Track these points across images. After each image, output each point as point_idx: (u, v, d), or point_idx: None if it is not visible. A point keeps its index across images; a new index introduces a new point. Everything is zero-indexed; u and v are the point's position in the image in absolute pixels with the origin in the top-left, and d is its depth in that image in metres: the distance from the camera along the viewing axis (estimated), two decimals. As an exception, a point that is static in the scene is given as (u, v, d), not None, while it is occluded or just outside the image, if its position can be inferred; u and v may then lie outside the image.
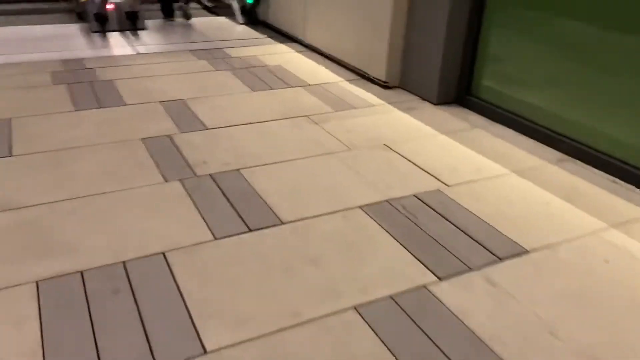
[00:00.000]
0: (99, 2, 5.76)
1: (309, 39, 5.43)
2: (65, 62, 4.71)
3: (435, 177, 3.00)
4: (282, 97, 4.15)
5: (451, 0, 3.77)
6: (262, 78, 4.55)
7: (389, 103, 4.10)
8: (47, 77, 4.32)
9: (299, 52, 5.38)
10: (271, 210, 2.61)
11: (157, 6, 6.78)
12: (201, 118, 3.67)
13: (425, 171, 3.07)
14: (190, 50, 5.24)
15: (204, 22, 6.64)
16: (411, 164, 3.15)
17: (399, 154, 3.27)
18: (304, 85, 4.43)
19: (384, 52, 4.31)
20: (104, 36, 5.66)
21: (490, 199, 2.79)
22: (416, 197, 2.79)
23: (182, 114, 3.72)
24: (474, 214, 2.64)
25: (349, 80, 4.58)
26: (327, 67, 4.90)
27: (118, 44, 5.40)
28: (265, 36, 5.97)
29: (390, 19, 4.17)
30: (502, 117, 3.77)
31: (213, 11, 7.24)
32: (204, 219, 2.51)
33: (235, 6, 6.57)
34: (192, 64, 4.85)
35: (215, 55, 5.16)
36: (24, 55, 4.89)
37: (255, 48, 5.45)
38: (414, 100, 4.18)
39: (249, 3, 6.48)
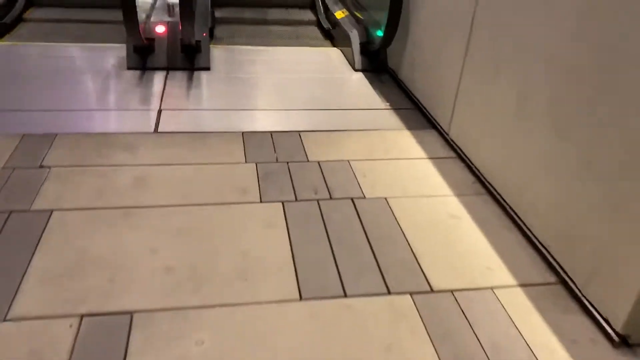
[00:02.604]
0: (141, 24, 3.77)
1: (457, 137, 2.92)
2: (24, 141, 2.76)
3: None
4: (362, 338, 1.76)
5: None
6: (338, 242, 2.19)
7: None
8: (-42, 184, 2.40)
9: (434, 159, 2.89)
10: None
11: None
12: None
13: None
14: (245, 133, 3.02)
15: (305, 56, 4.37)
16: None
17: None
18: (421, 289, 1.98)
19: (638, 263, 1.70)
20: (140, 78, 3.67)
21: None
22: None
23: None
24: None
25: (528, 288, 2.02)
26: (481, 222, 2.37)
27: (143, 100, 3.36)
28: (387, 105, 3.54)
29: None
30: None
31: (331, 35, 4.93)
32: None
33: (355, 41, 4.19)
34: (225, 173, 2.63)
35: (280, 149, 2.88)
36: (-10, 112, 3.06)
37: (358, 136, 3.07)
38: None
39: (377, 37, 4.07)
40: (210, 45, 4.38)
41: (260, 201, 2.43)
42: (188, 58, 3.88)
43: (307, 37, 4.96)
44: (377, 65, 4.11)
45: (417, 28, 3.51)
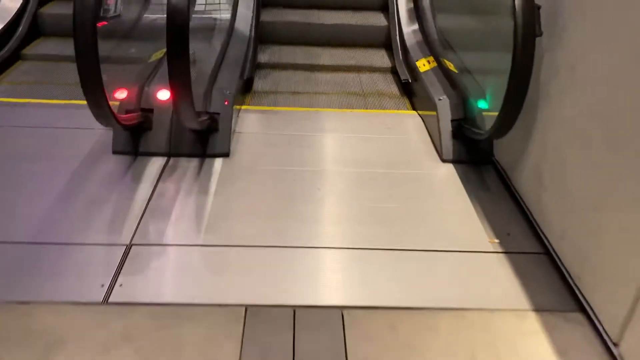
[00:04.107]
0: (136, 87, 2.65)
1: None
2: None
3: None
4: None
5: None
6: None
7: None
8: None
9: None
10: None
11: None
12: None
13: None
14: (250, 310, 1.78)
15: (371, 129, 3.05)
16: None
17: None
18: None
19: None
20: (125, 171, 2.53)
21: None
22: None
23: None
24: None
25: None
26: None
27: (112, 222, 2.20)
28: (496, 243, 2.17)
29: None
30: None
31: (410, 90, 3.59)
32: None
33: (444, 117, 2.83)
34: None
35: (302, 357, 1.63)
36: None
37: (445, 325, 1.73)
38: None
39: (479, 111, 2.71)
40: (242, 108, 3.21)
41: None
42: (199, 138, 2.70)
43: (377, 90, 3.66)
44: (477, 155, 2.74)
45: (554, 119, 2.12)
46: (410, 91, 3.60)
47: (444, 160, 2.75)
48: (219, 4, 3.41)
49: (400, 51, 3.84)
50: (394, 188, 2.52)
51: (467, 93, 2.88)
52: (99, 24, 2.00)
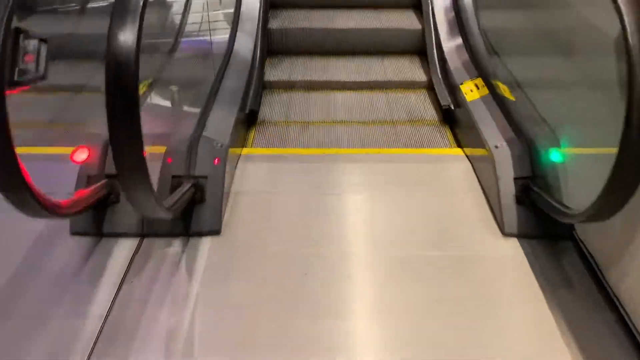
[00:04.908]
0: (97, 158, 2.04)
1: None
2: None
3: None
4: None
5: None
6: None
7: None
8: None
9: None
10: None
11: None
12: None
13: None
14: None
15: (406, 181, 2.38)
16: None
17: None
18: None
19: None
20: (83, 261, 1.91)
21: None
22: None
23: None
24: None
25: None
26: None
27: (60, 343, 1.60)
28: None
29: None
30: None
31: (453, 117, 2.89)
32: None
33: (504, 178, 2.12)
34: None
35: None
36: None
37: None
38: None
39: (553, 166, 2.01)
40: (242, 153, 2.58)
41: None
42: (178, 219, 2.06)
43: (411, 117, 2.97)
44: (552, 227, 2.03)
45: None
46: (453, 118, 2.90)
47: (505, 234, 2.05)
48: (208, 22, 2.74)
49: (438, 68, 3.12)
50: (444, 285, 1.84)
51: (536, 138, 2.17)
52: (12, 92, 1.36)
